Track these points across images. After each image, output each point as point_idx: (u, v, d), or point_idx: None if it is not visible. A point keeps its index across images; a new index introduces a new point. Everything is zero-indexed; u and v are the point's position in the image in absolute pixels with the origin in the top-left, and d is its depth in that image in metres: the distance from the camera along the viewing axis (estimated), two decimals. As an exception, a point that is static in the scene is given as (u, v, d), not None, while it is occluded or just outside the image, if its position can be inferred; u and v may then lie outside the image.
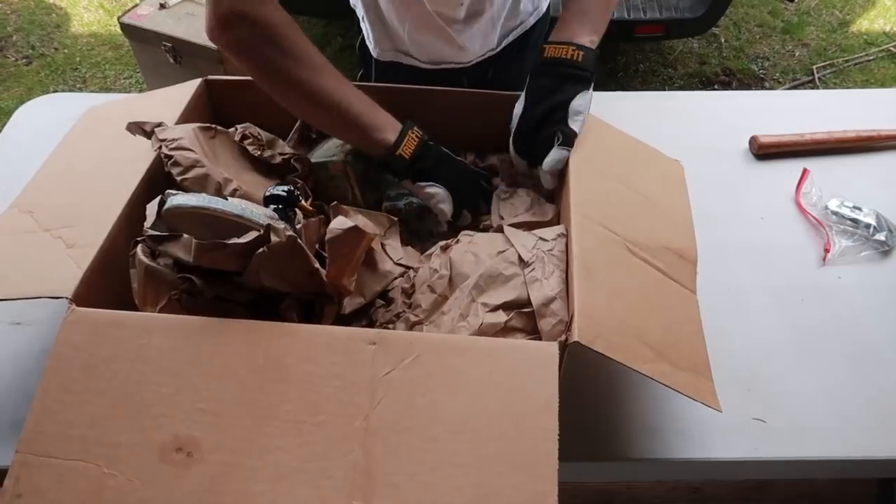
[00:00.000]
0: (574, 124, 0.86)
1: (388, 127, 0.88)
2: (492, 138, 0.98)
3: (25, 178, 0.88)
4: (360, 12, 1.16)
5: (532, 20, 1.22)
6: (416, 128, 0.90)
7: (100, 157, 0.89)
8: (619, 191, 0.85)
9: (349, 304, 0.78)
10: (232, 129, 0.91)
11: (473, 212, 0.93)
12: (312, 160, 0.93)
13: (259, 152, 0.90)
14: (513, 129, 0.91)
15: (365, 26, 1.17)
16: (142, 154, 0.84)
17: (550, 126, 0.86)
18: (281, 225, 0.68)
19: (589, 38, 0.89)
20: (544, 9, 1.24)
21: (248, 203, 0.71)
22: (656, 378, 0.66)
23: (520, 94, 0.91)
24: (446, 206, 0.90)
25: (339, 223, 0.73)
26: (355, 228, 0.73)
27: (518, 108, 0.91)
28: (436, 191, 0.90)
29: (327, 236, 0.72)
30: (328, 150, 0.94)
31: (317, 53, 0.85)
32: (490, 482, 0.58)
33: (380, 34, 1.15)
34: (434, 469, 0.59)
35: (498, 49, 1.19)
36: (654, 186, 0.89)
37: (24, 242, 0.77)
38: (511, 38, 1.20)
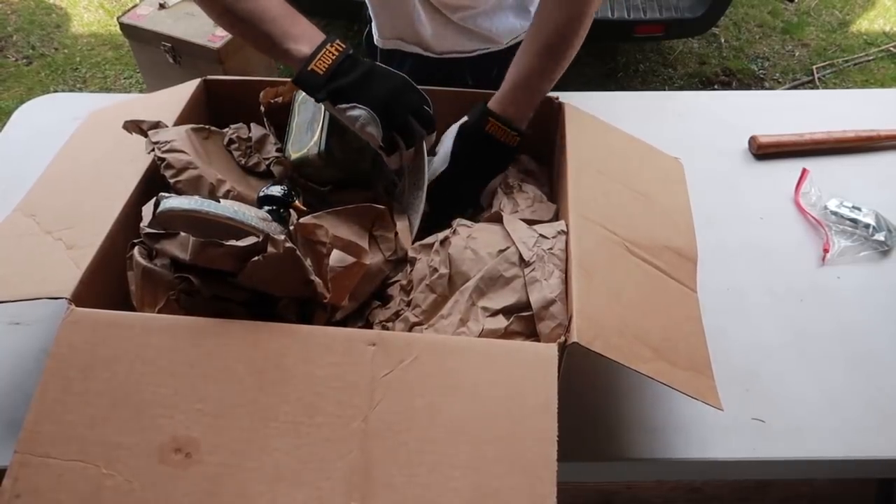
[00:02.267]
0: (483, 199, 0.91)
1: (304, 38, 0.79)
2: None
3: (25, 177, 0.88)
4: None
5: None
6: (339, 42, 0.79)
7: (100, 158, 0.89)
8: (618, 190, 0.85)
9: (340, 312, 0.78)
10: (226, 130, 0.91)
11: (406, 136, 0.81)
12: (292, 158, 0.88)
13: (244, 159, 0.89)
14: (431, 179, 0.88)
15: (371, 14, 1.17)
16: (141, 155, 0.84)
17: (465, 198, 0.91)
18: (280, 236, 0.68)
19: (528, 114, 0.88)
20: None
21: (240, 205, 0.71)
22: (656, 377, 0.66)
23: (445, 141, 0.89)
24: (373, 130, 0.79)
25: (339, 260, 0.75)
26: (356, 264, 0.75)
27: (440, 164, 0.88)
28: (358, 113, 0.77)
29: (329, 274, 0.73)
30: (300, 141, 0.88)
31: None
32: (489, 483, 0.58)
33: (382, 20, 1.15)
34: (432, 470, 0.59)
35: (504, 47, 1.19)
36: (654, 185, 0.89)
37: (26, 245, 0.77)
38: (518, 38, 1.20)
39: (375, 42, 1.19)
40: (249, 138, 0.91)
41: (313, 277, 0.70)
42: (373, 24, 1.18)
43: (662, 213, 0.86)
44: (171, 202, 0.68)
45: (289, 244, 0.67)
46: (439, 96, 0.87)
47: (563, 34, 0.86)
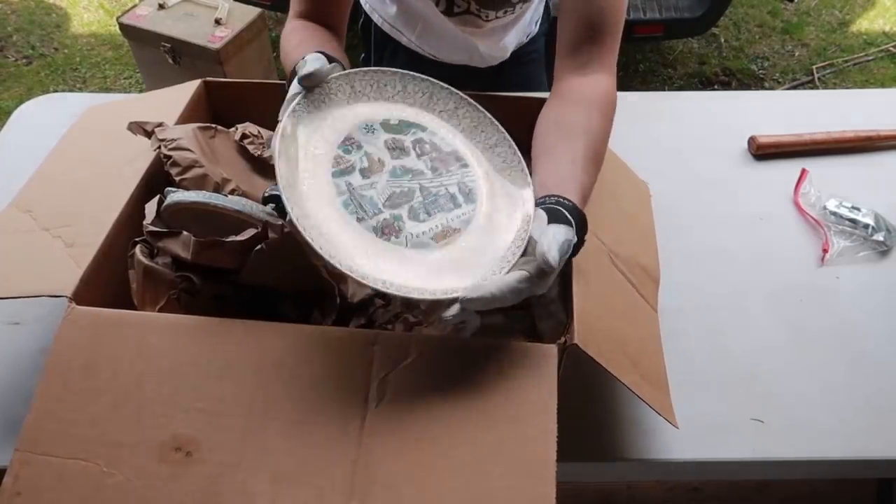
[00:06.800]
0: None
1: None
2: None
3: (25, 177, 0.88)
4: None
5: (535, 29, 1.21)
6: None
7: (99, 156, 0.89)
8: (602, 200, 0.85)
9: (359, 293, 0.78)
10: (232, 129, 0.91)
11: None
12: None
13: (259, 152, 0.90)
14: None
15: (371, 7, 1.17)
16: (141, 154, 0.84)
17: None
18: (279, 221, 0.68)
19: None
20: (542, 11, 1.23)
21: (247, 200, 0.71)
22: (632, 389, 0.67)
23: None
24: None
25: None
26: None
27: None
28: None
29: None
30: None
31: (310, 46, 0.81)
32: (488, 483, 0.58)
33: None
34: (432, 470, 0.59)
35: (506, 57, 1.19)
36: (627, 201, 0.90)
37: (23, 242, 0.77)
38: (520, 46, 1.20)
39: (378, 24, 1.17)
40: (260, 134, 0.92)
41: (315, 261, 0.70)
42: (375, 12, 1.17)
43: (636, 229, 0.86)
44: (179, 195, 0.69)
45: (288, 229, 0.67)
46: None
47: (604, 140, 0.80)
